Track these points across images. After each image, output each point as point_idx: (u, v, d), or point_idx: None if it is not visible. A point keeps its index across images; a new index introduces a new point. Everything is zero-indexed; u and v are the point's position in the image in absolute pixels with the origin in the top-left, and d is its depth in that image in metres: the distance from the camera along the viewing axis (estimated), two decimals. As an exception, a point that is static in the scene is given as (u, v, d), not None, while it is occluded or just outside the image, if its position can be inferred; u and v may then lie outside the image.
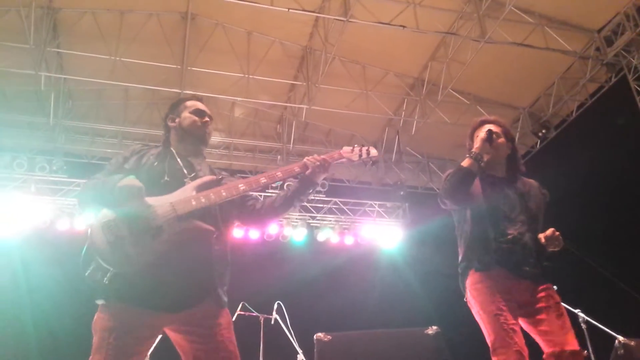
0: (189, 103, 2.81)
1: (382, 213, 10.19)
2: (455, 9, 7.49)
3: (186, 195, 2.38)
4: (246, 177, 2.59)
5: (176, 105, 2.84)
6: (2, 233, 8.24)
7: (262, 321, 5.77)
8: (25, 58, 7.41)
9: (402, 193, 9.84)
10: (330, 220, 9.94)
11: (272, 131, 10.27)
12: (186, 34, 7.91)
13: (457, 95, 8.71)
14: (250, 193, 2.59)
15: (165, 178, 2.48)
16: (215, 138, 10.01)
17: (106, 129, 9.28)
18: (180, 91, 8.37)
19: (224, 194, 2.43)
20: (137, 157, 2.60)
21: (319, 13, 7.41)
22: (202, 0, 7.01)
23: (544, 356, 2.79)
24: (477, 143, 2.96)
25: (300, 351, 5.43)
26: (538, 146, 9.34)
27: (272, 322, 5.69)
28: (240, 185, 2.48)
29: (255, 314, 5.88)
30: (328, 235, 9.75)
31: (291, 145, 9.91)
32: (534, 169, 9.41)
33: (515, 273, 2.84)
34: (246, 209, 2.67)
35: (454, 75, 8.08)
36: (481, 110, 8.67)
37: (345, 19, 7.00)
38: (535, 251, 2.91)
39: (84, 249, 2.32)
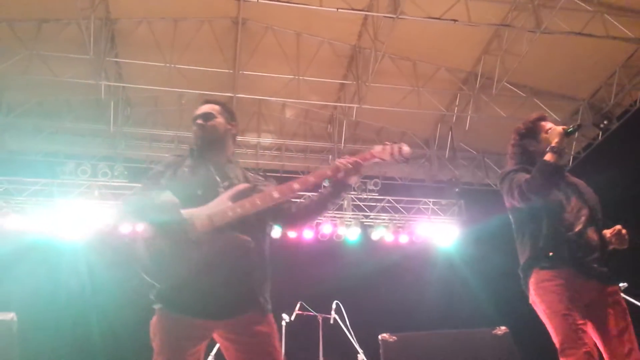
0: (194, 113, 2.84)
1: (437, 211, 10.03)
2: (508, -1, 7.30)
3: (222, 207, 2.42)
4: (287, 180, 2.62)
5: None
6: (68, 237, 8.62)
7: (320, 321, 5.79)
8: (86, 68, 7.74)
9: (457, 190, 9.66)
10: (384, 219, 9.86)
11: (323, 131, 10.31)
12: (237, 39, 8.03)
13: (513, 88, 8.49)
14: None
15: (198, 192, 2.51)
16: (266, 140, 10.15)
17: (163, 134, 9.58)
18: (233, 95, 8.54)
19: (258, 202, 2.45)
20: (171, 171, 2.64)
21: (367, 11, 7.37)
22: (251, 5, 7.10)
23: None
24: (555, 137, 2.88)
25: (360, 351, 5.42)
26: (600, 138, 8.98)
27: (332, 321, 5.70)
28: (274, 194, 2.50)
29: (313, 313, 5.91)
30: (382, 234, 9.68)
31: (342, 145, 9.91)
32: (596, 161, 9.10)
33: (583, 272, 2.75)
34: (282, 213, 2.68)
35: (509, 67, 7.87)
36: (538, 103, 8.42)
37: (394, 16, 6.93)
38: (600, 246, 2.82)
39: (129, 264, 2.43)
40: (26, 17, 7.49)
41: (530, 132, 3.10)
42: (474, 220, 9.50)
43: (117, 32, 8.00)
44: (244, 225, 2.43)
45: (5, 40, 7.54)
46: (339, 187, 2.65)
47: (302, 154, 10.28)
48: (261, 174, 2.86)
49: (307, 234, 9.40)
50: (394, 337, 4.25)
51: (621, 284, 3.59)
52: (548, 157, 2.82)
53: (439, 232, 9.87)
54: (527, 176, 2.86)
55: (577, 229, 2.83)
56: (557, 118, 8.73)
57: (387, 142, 2.67)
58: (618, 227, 2.83)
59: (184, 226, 2.33)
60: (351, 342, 5.56)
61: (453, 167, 10.08)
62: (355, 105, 8.75)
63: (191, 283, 2.31)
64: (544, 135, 3.03)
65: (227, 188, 2.54)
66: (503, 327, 4.37)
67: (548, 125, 3.06)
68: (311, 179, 2.62)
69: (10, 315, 3.90)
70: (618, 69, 8.14)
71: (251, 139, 10.07)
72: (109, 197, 9.01)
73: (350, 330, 5.57)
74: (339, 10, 6.96)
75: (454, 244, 9.85)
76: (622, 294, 2.97)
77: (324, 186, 2.75)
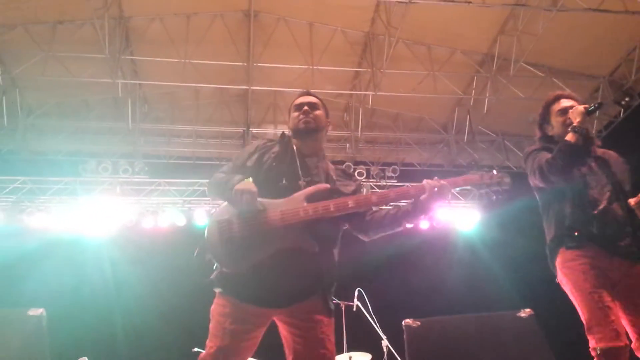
0: (295, 101, 2.87)
1: (457, 195, 9.95)
2: (523, -22, 7.16)
3: (296, 205, 2.42)
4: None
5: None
6: (92, 234, 8.78)
7: (343, 309, 5.82)
8: (103, 67, 7.82)
9: (477, 174, 9.54)
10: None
11: (339, 120, 10.27)
12: (250, 31, 8.04)
13: (531, 68, 8.34)
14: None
15: (283, 182, 2.53)
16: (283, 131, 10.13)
17: (181, 129, 9.65)
18: (248, 87, 8.58)
19: (332, 209, 2.43)
20: (259, 155, 2.66)
21: (380, -3, 7.31)
22: (263, -4, 7.13)
23: (633, 346, 2.70)
24: (577, 117, 2.86)
25: (384, 337, 5.44)
26: (621, 115, 8.80)
27: (354, 309, 5.73)
28: (349, 203, 2.47)
29: (335, 301, 5.93)
30: (402, 220, 9.64)
31: (359, 133, 9.88)
32: (618, 139, 8.93)
33: (609, 250, 2.75)
34: (357, 219, 2.64)
35: (526, 48, 7.73)
36: (557, 82, 8.27)
37: (407, 1, 6.85)
38: (629, 220, 2.79)
39: (201, 243, 2.46)
40: (41, 20, 7.59)
41: (545, 118, 3.13)
42: (495, 204, 9.40)
43: (131, 30, 8.06)
44: (314, 226, 2.43)
45: (22, 43, 7.66)
46: (419, 208, 2.51)
47: (319, 143, 10.24)
48: (349, 169, 2.87)
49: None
50: (417, 322, 4.26)
51: None
52: (569, 137, 2.82)
53: (460, 217, 9.80)
54: (549, 156, 2.86)
55: (602, 206, 2.82)
56: (577, 97, 8.58)
57: (486, 170, 2.58)
58: None
59: (258, 217, 2.37)
60: (375, 329, 5.58)
61: (472, 151, 9.98)
62: (370, 93, 8.70)
63: (254, 273, 2.35)
64: (555, 118, 3.06)
65: (307, 183, 2.54)
66: (527, 310, 4.35)
67: (561, 105, 3.06)
68: (392, 195, 2.62)
69: (39, 311, 4.05)
70: (638, 45, 7.95)
71: (268, 130, 10.09)
72: (130, 194, 9.14)
73: (374, 317, 5.59)
74: (351, -3, 6.92)
75: (475, 228, 9.77)
76: None
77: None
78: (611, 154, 3.09)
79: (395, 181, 9.59)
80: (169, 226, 9.02)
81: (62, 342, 5.63)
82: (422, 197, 2.48)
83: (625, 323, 2.74)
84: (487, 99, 8.86)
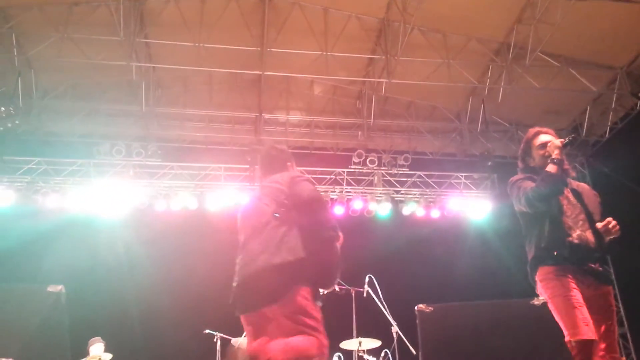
0: None
1: (469, 185, 9.94)
2: (542, -34, 7.07)
3: None
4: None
5: None
6: (105, 215, 8.88)
7: (353, 294, 5.86)
8: (117, 50, 7.83)
9: (489, 163, 9.50)
10: (415, 194, 9.82)
11: (352, 107, 10.26)
12: (265, 16, 8.01)
13: (547, 58, 8.24)
14: None
15: None
16: (295, 117, 10.17)
17: (194, 113, 9.68)
18: (261, 72, 8.56)
19: None
20: None
21: (396, -17, 7.25)
22: (278, -19, 7.09)
23: None
24: (555, 150, 3.23)
25: (394, 323, 5.47)
26: (638, 107, 8.70)
27: (365, 294, 5.76)
28: None
29: (346, 287, 5.97)
30: (413, 209, 9.66)
31: (372, 120, 9.86)
32: (633, 131, 8.79)
33: (582, 269, 3.08)
34: None
35: (543, 37, 7.64)
36: (574, 72, 8.19)
37: (424, -13, 6.80)
38: (598, 246, 3.13)
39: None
40: (56, 1, 7.62)
41: (527, 152, 3.47)
42: (507, 194, 9.34)
43: (145, 12, 8.06)
44: None
45: (38, 24, 7.69)
46: None
47: (331, 130, 10.25)
48: None
49: (338, 210, 9.43)
50: (430, 308, 4.31)
51: None
52: (550, 168, 3.17)
53: (471, 206, 9.78)
54: (533, 184, 3.21)
55: (576, 233, 3.14)
56: (593, 88, 8.51)
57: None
58: (609, 219, 3.12)
59: None
60: (384, 314, 5.61)
61: (485, 141, 9.92)
62: (384, 80, 8.66)
63: None
64: (536, 152, 3.40)
65: None
66: (541, 297, 4.38)
67: (540, 140, 3.38)
68: None
69: (59, 287, 4.14)
70: (658, 35, 7.85)
71: (280, 116, 10.09)
72: (143, 176, 9.22)
73: (384, 303, 5.62)
74: (367, -17, 6.86)
75: (487, 217, 9.76)
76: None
77: None
78: (584, 187, 3.44)
79: (407, 169, 9.59)
80: (180, 209, 9.09)
81: (75, 319, 5.73)
82: None
83: None
84: (501, 89, 8.79)
